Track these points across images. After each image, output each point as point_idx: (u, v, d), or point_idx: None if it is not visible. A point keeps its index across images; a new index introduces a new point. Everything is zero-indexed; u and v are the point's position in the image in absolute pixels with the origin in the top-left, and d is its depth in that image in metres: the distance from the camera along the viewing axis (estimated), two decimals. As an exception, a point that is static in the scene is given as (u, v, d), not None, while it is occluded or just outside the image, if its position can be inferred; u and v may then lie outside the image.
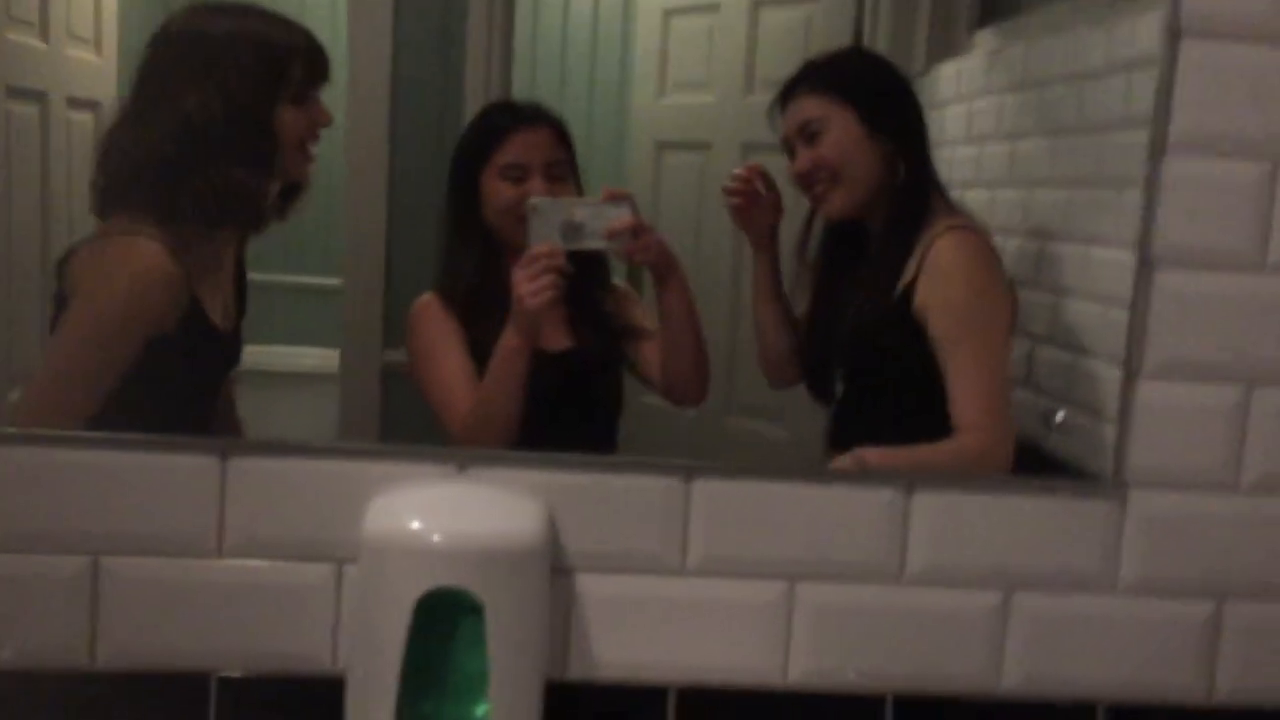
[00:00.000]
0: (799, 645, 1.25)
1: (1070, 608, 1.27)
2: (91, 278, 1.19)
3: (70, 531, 1.17)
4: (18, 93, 1.22)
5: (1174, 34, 1.19)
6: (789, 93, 1.27)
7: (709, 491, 1.23)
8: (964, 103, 1.33)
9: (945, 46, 1.33)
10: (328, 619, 1.20)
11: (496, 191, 1.27)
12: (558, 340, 1.29)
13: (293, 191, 1.24)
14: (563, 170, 1.28)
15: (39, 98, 1.24)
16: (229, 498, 1.18)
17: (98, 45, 1.27)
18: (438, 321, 1.29)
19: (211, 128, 1.18)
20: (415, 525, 1.10)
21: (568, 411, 1.30)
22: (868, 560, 1.25)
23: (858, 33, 1.32)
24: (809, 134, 1.26)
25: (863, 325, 1.29)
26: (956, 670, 1.27)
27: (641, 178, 1.38)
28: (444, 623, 1.13)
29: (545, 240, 1.21)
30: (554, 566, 1.21)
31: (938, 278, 1.24)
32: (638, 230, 1.22)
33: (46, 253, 1.24)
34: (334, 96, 1.24)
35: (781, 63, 1.32)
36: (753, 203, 1.28)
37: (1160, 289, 1.23)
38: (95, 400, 1.18)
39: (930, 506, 1.25)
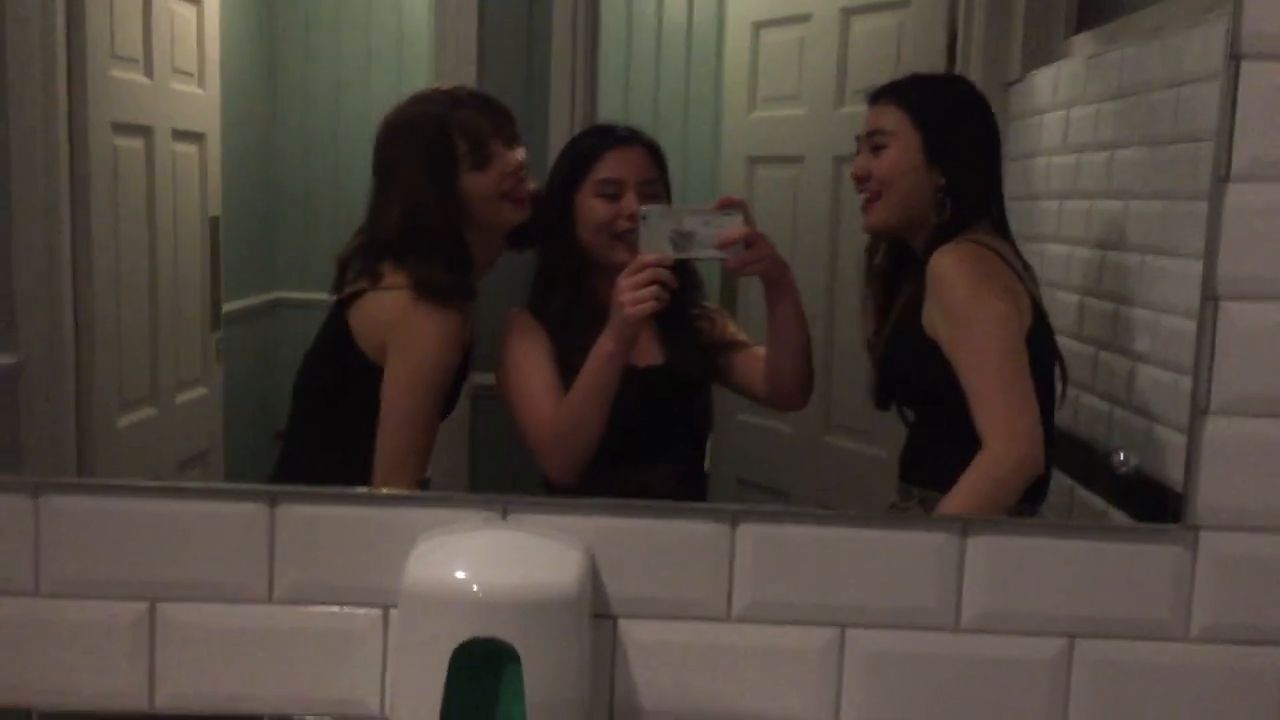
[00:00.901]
0: (851, 695, 1.22)
1: (1138, 656, 1.22)
2: (404, 335, 1.25)
3: (128, 578, 1.20)
4: (124, 128, 1.26)
5: (1235, 57, 1.14)
6: (881, 94, 1.26)
7: (755, 536, 1.21)
8: (1060, 110, 1.29)
9: (1041, 52, 1.29)
10: (375, 664, 1.21)
11: (591, 209, 1.28)
12: (649, 356, 1.28)
13: (530, 228, 1.29)
14: (656, 190, 1.28)
15: (144, 132, 1.28)
16: (278, 544, 1.21)
17: (201, 79, 1.30)
18: (528, 334, 1.29)
19: (413, 213, 1.25)
20: (452, 574, 1.10)
21: (658, 427, 1.30)
22: (922, 606, 1.21)
23: (951, 40, 1.29)
24: (875, 144, 1.25)
25: (891, 354, 1.28)
26: (1018, 721, 1.23)
27: (734, 192, 1.34)
28: (487, 670, 1.12)
29: (655, 249, 1.19)
30: (597, 613, 1.20)
31: (933, 292, 1.23)
32: (750, 240, 1.20)
33: (155, 282, 1.28)
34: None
35: (873, 73, 1.31)
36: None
37: (1227, 321, 1.17)
38: (434, 442, 1.27)
39: (987, 550, 1.21)
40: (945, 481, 1.21)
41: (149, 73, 1.27)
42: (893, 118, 1.25)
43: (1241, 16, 1.13)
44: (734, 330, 1.31)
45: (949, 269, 1.22)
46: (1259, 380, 1.18)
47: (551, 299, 1.30)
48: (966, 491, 1.20)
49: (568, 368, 1.26)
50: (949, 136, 1.25)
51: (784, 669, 1.22)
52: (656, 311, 1.20)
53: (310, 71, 1.34)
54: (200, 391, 1.35)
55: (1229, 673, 1.22)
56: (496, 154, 1.25)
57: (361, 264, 1.27)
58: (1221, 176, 1.16)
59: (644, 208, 1.21)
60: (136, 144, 1.27)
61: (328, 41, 1.34)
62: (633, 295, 1.19)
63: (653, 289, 1.19)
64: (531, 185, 1.28)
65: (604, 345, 1.22)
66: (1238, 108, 1.15)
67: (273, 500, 1.20)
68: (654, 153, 1.29)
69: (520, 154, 1.27)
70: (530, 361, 1.28)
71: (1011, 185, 1.31)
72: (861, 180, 1.26)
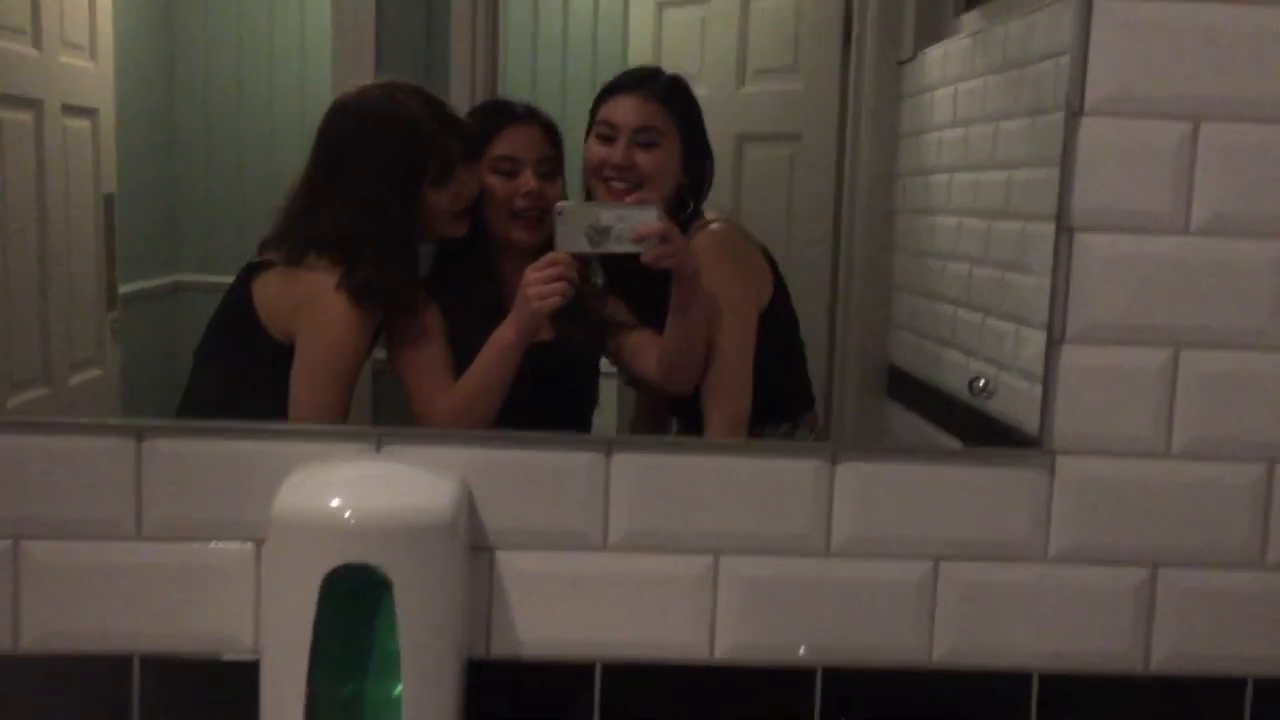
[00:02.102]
0: (725, 620, 1.25)
1: (1000, 577, 1.26)
2: (320, 319, 1.23)
3: (-10, 516, 1.18)
4: (10, 100, 1.22)
5: (1088, -6, 1.18)
6: (648, 91, 1.29)
7: (630, 465, 1.22)
8: (950, 86, 1.32)
9: (932, 31, 1.33)
10: (248, 599, 1.20)
11: (489, 185, 1.28)
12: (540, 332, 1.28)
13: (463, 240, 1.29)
14: (552, 168, 1.29)
15: (33, 105, 1.24)
16: (146, 479, 1.19)
17: (93, 52, 1.27)
18: (421, 309, 1.28)
19: (364, 215, 1.23)
20: (322, 502, 1.09)
21: (545, 403, 1.29)
22: (793, 532, 1.24)
23: (847, 19, 1.32)
24: (643, 140, 1.28)
25: None
26: (887, 642, 1.26)
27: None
28: (364, 602, 1.12)
29: (571, 244, 1.20)
30: (474, 544, 1.21)
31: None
32: (666, 235, 1.22)
33: (45, 258, 1.24)
34: (322, 97, 1.25)
35: (774, 53, 1.33)
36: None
37: (1081, 253, 1.21)
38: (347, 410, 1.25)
39: (856, 476, 1.24)
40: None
41: (37, 44, 1.24)
42: (663, 119, 1.29)
43: (1093, -52, 1.17)
44: (623, 311, 1.33)
45: (712, 249, 1.29)
46: (1111, 309, 1.22)
47: (450, 274, 1.30)
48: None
49: (461, 344, 1.26)
50: (699, 144, 1.30)
51: (660, 596, 1.24)
52: (561, 306, 1.21)
53: (210, 41, 1.31)
54: (95, 373, 1.31)
55: (1085, 591, 1.26)
56: (458, 177, 1.25)
57: (287, 237, 1.24)
58: (1075, 111, 1.20)
59: (560, 204, 1.22)
60: (24, 117, 1.23)
61: (228, 9, 1.31)
62: (540, 289, 1.20)
63: (560, 284, 1.20)
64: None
65: (504, 335, 1.23)
66: (1090, 44, 1.19)
67: (139, 435, 1.19)
68: (550, 131, 1.30)
69: (479, 178, 1.27)
70: (424, 337, 1.28)
71: (905, 162, 1.35)
72: (621, 169, 1.28)
